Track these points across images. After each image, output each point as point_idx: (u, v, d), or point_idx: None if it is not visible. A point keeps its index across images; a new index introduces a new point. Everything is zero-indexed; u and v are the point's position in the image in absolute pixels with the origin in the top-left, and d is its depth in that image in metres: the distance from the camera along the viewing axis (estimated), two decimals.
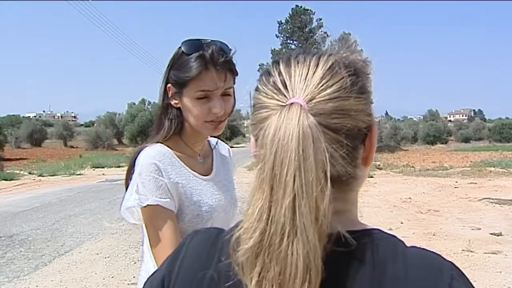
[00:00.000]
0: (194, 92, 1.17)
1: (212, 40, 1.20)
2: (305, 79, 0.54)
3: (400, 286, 0.49)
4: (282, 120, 0.50)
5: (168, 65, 1.22)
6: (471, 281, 0.52)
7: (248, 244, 0.49)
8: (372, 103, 0.58)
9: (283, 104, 0.52)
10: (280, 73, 0.56)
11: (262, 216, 0.49)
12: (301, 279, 0.46)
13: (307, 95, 0.52)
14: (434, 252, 0.54)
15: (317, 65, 0.55)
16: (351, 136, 0.53)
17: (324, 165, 0.49)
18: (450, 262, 0.52)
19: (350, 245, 0.50)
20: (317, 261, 0.47)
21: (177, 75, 1.19)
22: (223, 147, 1.43)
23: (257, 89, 0.58)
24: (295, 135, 0.49)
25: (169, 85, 1.22)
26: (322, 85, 0.53)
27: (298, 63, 0.56)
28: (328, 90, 0.53)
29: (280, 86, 0.55)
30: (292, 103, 0.51)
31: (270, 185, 0.49)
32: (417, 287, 0.49)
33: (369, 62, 0.59)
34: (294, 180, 0.48)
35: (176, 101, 1.22)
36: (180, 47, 1.20)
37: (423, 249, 0.54)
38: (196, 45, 1.18)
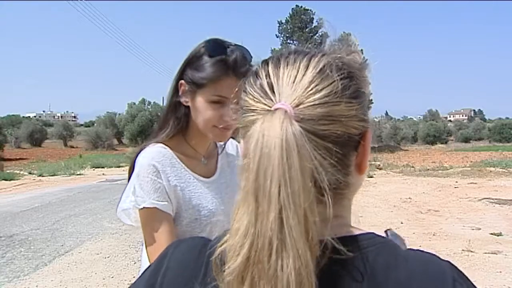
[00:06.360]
0: (210, 95, 1.12)
1: (236, 45, 1.15)
2: (293, 82, 0.51)
3: None
4: (265, 128, 0.47)
5: (185, 62, 1.17)
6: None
7: (235, 263, 0.46)
8: (370, 107, 0.55)
9: (269, 108, 0.50)
10: (268, 75, 0.53)
11: (248, 231, 0.46)
12: None
13: (294, 100, 0.49)
14: (430, 253, 0.53)
15: (307, 67, 0.52)
16: (341, 143, 0.50)
17: (311, 173, 0.46)
18: (448, 261, 0.52)
19: (345, 253, 0.48)
20: (310, 277, 0.44)
21: (194, 75, 1.14)
22: (231, 145, 1.36)
23: (244, 91, 0.55)
24: (278, 143, 0.46)
25: (181, 81, 1.17)
26: (311, 89, 0.50)
27: (287, 65, 0.53)
28: (317, 95, 0.50)
29: (267, 89, 0.52)
30: (277, 109, 0.49)
31: (255, 197, 0.46)
32: None
33: (366, 64, 0.56)
34: (279, 191, 0.45)
35: (187, 100, 1.17)
36: (202, 46, 1.15)
37: (420, 250, 0.53)
38: (220, 48, 1.13)
